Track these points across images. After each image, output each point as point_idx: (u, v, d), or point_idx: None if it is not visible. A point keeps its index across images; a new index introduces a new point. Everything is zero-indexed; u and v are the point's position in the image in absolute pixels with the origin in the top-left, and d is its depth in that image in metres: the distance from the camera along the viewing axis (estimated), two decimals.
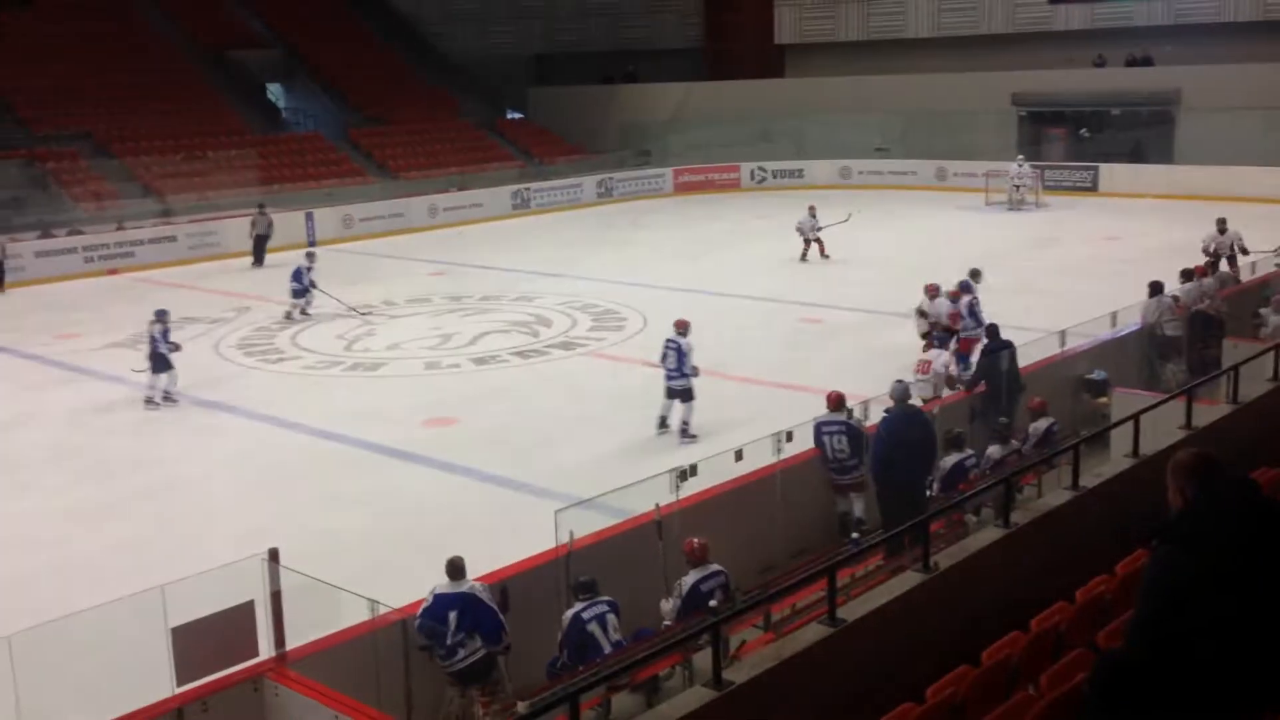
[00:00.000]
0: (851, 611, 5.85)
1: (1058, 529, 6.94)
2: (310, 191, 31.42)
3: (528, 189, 34.20)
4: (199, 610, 6.53)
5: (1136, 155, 34.39)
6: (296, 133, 36.25)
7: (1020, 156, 31.96)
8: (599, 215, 33.10)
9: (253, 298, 22.24)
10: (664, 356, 13.29)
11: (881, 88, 37.41)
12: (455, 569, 7.71)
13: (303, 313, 20.27)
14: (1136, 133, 35.27)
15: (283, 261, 26.39)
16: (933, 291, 15.26)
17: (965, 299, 14.93)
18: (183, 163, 31.32)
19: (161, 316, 15.49)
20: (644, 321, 19.19)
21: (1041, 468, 9.45)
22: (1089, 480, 7.38)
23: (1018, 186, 30.84)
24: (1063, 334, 13.05)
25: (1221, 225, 18.72)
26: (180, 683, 6.51)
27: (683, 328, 13.36)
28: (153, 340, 15.25)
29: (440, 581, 7.69)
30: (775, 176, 37.45)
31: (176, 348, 15.45)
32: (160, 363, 15.17)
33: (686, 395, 13.15)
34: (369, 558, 10.02)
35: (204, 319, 20.44)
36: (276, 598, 6.97)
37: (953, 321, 14.70)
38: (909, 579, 6.22)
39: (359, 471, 12.71)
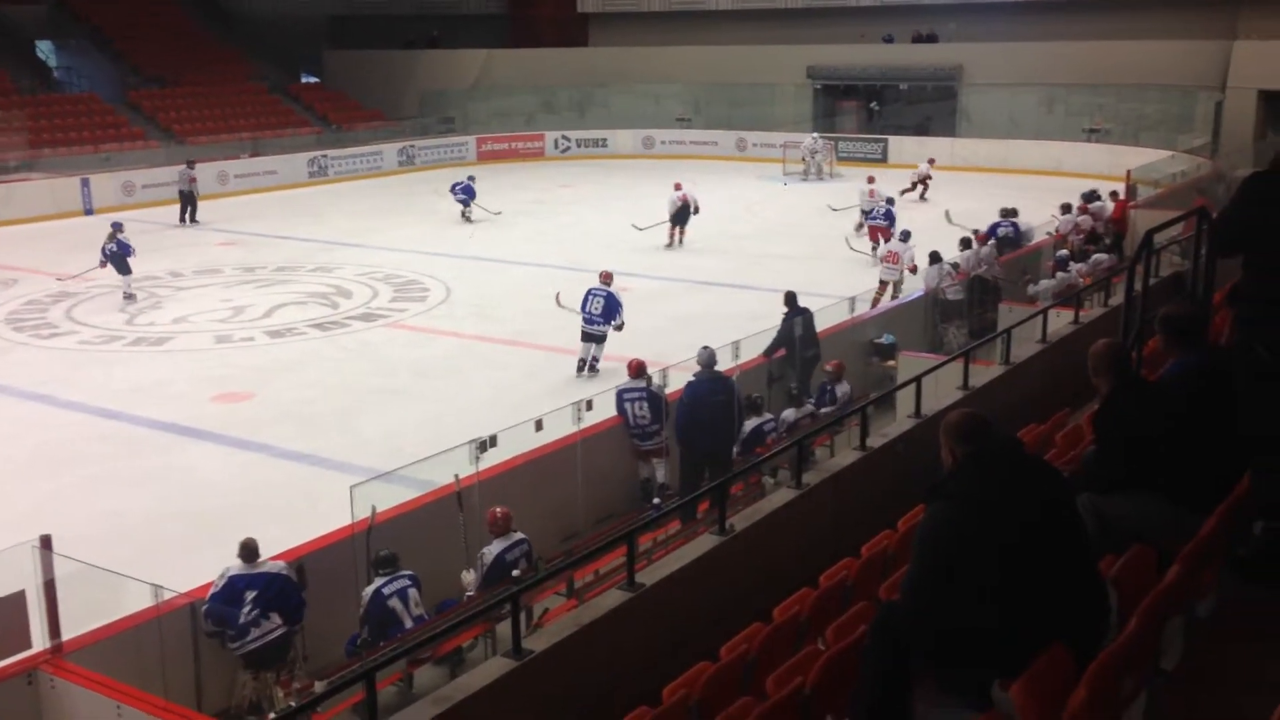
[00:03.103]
0: (650, 576, 5.94)
1: (847, 488, 7.21)
2: (86, 156, 29.55)
3: (325, 156, 33.11)
4: None
5: (923, 128, 35.94)
6: (70, 93, 33.94)
7: (814, 134, 32.93)
8: (401, 184, 32.38)
9: (21, 270, 20.82)
10: (585, 302, 14.16)
11: (683, 59, 37.89)
12: (249, 551, 7.51)
13: (466, 218, 25.31)
14: (923, 107, 36.85)
15: (64, 229, 24.97)
16: None
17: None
18: None
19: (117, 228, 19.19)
20: (447, 291, 18.92)
21: (834, 429, 9.81)
22: (875, 440, 7.69)
23: (813, 153, 31.77)
24: (852, 300, 13.53)
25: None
26: None
27: (608, 280, 14.42)
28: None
29: (233, 563, 7.44)
30: (579, 145, 37.47)
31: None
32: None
33: (602, 338, 14.11)
34: (153, 541, 9.58)
35: None
36: (50, 586, 6.62)
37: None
38: (706, 541, 6.35)
39: (142, 451, 12.09)
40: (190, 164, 26.99)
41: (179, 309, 18.06)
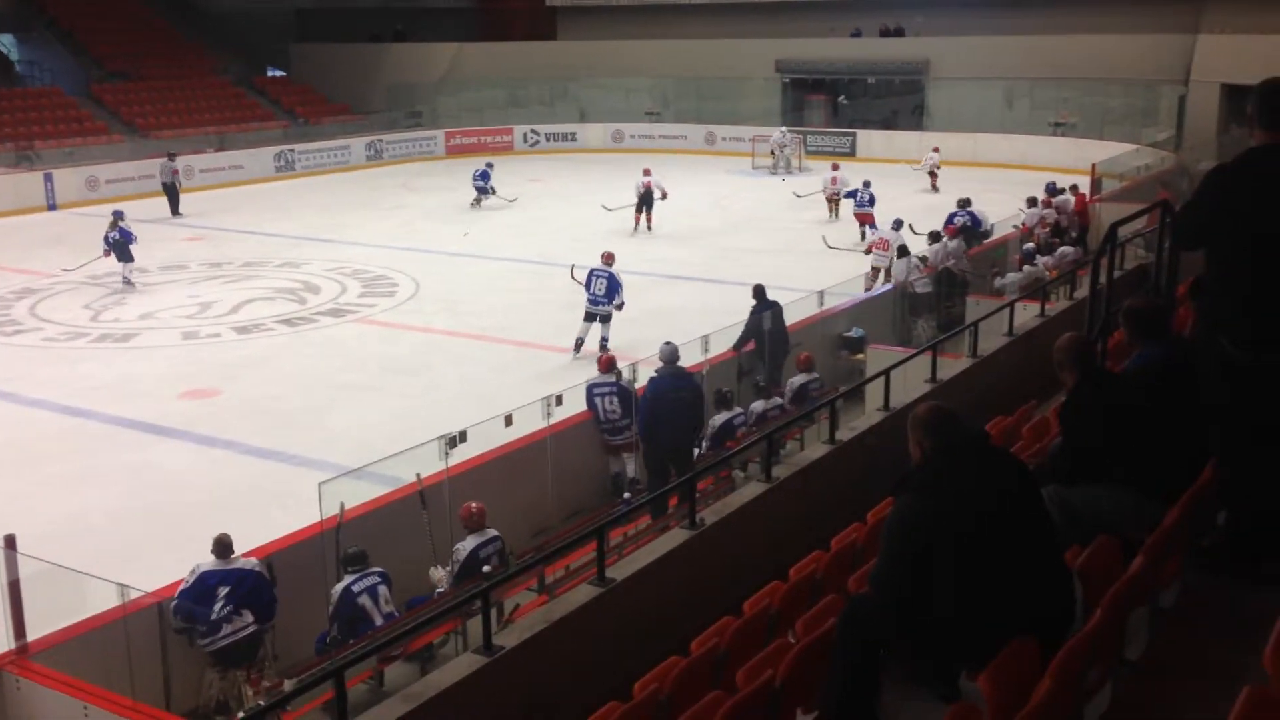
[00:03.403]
0: (621, 570, 5.95)
1: (816, 481, 7.25)
2: (49, 151, 29.21)
3: (292, 150, 32.84)
4: None
5: (890, 122, 36.07)
6: (32, 87, 33.56)
7: (783, 128, 33.00)
8: (368, 178, 32.19)
9: None
10: (589, 283, 14.69)
11: (651, 52, 37.84)
12: (223, 547, 7.47)
13: (476, 203, 26.08)
14: (890, 101, 36.97)
15: (27, 225, 24.66)
16: None
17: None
18: None
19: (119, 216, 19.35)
20: (416, 286, 18.83)
21: (804, 422, 9.84)
22: (845, 434, 7.73)
23: (782, 147, 31.83)
24: (821, 294, 13.56)
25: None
26: None
27: (610, 260, 15.00)
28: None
29: (204, 560, 7.39)
30: (548, 139, 37.37)
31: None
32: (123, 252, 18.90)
33: (607, 318, 14.73)
34: (120, 540, 9.49)
35: None
36: (14, 586, 6.57)
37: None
38: (676, 536, 6.37)
39: (108, 448, 11.97)
40: (171, 156, 27.09)
41: (145, 305, 17.88)
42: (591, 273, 14.89)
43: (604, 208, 23.91)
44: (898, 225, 17.70)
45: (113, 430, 12.47)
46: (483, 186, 26.25)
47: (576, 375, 10.94)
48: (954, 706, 3.29)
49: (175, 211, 26.12)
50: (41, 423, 12.76)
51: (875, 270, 17.16)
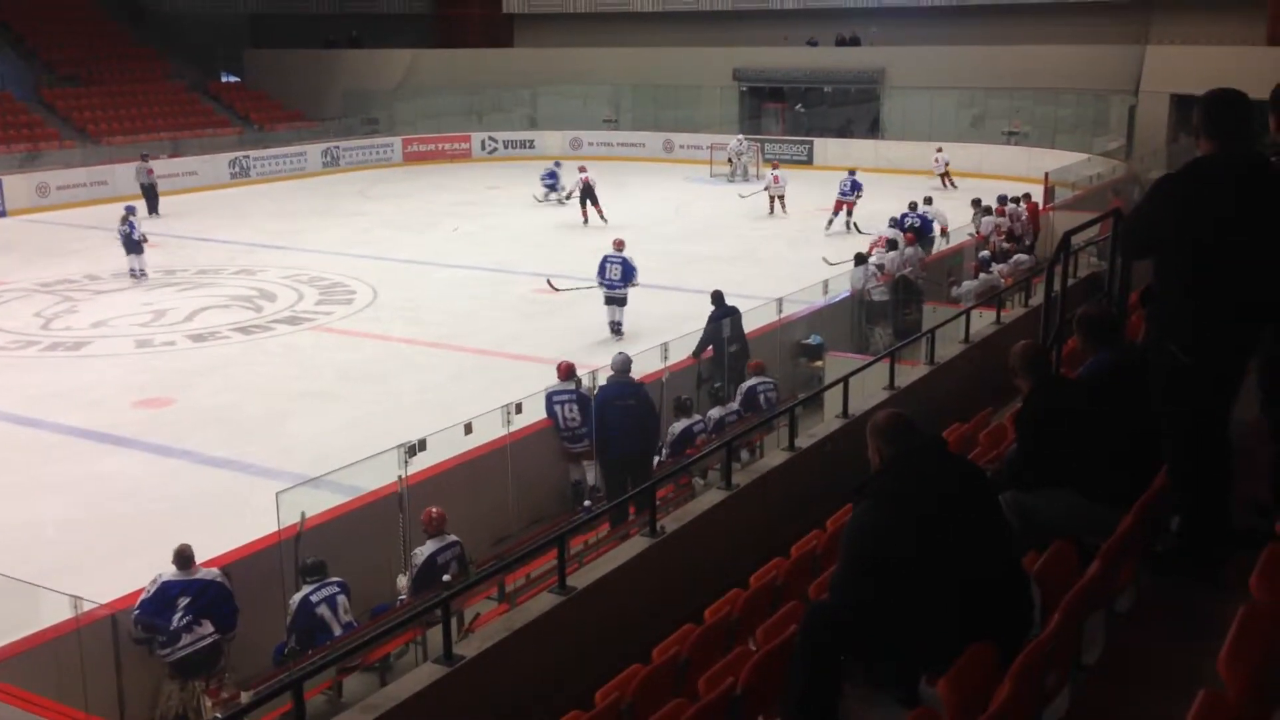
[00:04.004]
0: (581, 579, 5.94)
1: (775, 488, 7.27)
2: None
3: (247, 157, 32.54)
4: None
5: (846, 130, 36.33)
6: None
7: (740, 136, 33.15)
8: (325, 185, 31.94)
9: None
10: (603, 269, 15.54)
11: (609, 60, 37.87)
12: (183, 558, 7.43)
13: (560, 201, 26.66)
14: (846, 109, 37.22)
15: None
16: None
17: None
18: None
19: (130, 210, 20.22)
20: (374, 294, 18.71)
21: (763, 430, 9.88)
22: (804, 441, 7.77)
23: (739, 155, 31.97)
24: (780, 301, 13.63)
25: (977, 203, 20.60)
26: None
27: (621, 246, 15.79)
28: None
29: (165, 570, 7.32)
30: (506, 147, 37.27)
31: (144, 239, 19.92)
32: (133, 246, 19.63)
33: (624, 301, 15.60)
34: (73, 551, 9.36)
35: None
36: None
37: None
38: (636, 544, 6.37)
39: (60, 458, 11.80)
40: (144, 157, 27.17)
41: (97, 313, 17.63)
42: (605, 260, 15.60)
43: (534, 198, 26.80)
44: (894, 223, 18.26)
45: (66, 440, 12.29)
46: (552, 185, 27.39)
47: (535, 383, 10.91)
48: (914, 712, 3.32)
49: (154, 211, 26.12)
50: None
51: (878, 268, 17.02)
